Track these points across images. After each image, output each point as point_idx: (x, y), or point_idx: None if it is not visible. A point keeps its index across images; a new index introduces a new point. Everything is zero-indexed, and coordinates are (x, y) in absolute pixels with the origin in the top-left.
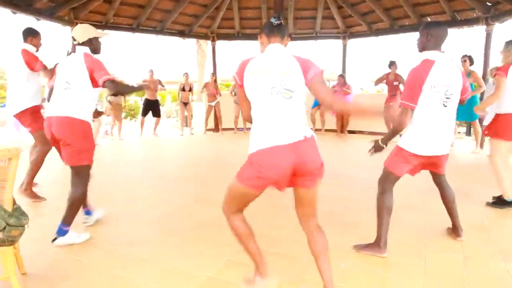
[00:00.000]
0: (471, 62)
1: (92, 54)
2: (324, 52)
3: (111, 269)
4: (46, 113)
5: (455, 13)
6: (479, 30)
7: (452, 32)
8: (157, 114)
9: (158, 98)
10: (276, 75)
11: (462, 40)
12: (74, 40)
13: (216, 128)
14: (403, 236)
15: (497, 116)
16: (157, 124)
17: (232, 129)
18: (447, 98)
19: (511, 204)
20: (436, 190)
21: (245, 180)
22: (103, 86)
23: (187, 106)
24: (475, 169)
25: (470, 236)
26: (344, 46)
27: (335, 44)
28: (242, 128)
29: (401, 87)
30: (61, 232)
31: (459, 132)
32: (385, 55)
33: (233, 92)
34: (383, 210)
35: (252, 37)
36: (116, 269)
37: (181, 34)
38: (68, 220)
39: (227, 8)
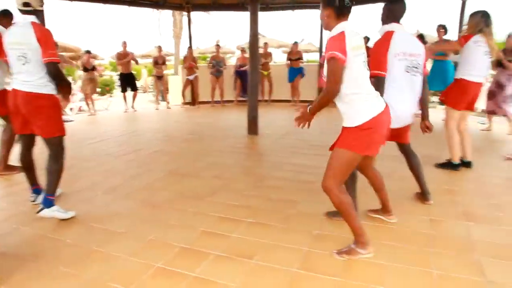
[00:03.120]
0: (445, 31)
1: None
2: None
3: (88, 244)
4: (11, 85)
5: None
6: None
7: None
8: (133, 87)
9: (134, 72)
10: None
11: (438, 9)
12: (27, 5)
13: (193, 102)
14: (374, 202)
15: (454, 81)
16: (135, 98)
17: (209, 102)
18: (414, 67)
19: (457, 167)
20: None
21: (366, 149)
22: (46, 65)
23: (161, 79)
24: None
25: (437, 199)
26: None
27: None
28: (219, 101)
29: None
30: (47, 202)
31: (432, 101)
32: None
33: (211, 64)
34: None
35: (230, 7)
36: (93, 244)
37: (154, 5)
38: (51, 189)
39: None
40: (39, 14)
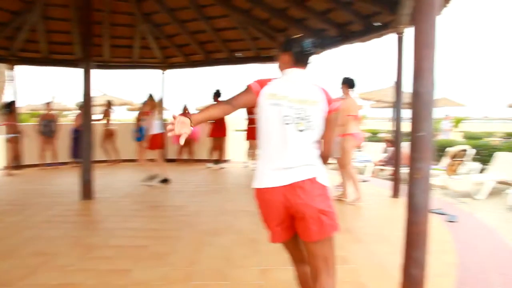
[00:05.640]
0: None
1: None
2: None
3: None
4: None
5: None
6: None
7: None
8: None
9: None
10: (295, 103)
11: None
12: None
13: (15, 165)
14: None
15: None
16: None
17: (35, 165)
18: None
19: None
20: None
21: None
22: None
23: None
24: None
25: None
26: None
27: (154, 73)
28: (52, 163)
29: None
30: None
31: None
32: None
33: (41, 123)
34: None
35: (62, 63)
36: None
37: None
38: None
39: (32, 30)
40: None
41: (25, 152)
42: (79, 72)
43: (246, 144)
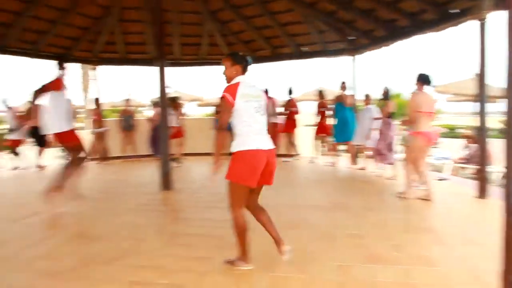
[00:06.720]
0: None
1: None
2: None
3: None
4: None
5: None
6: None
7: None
8: (41, 143)
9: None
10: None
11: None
12: None
13: (103, 157)
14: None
15: None
16: (42, 154)
17: (120, 157)
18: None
19: None
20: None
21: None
22: None
23: None
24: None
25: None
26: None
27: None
28: (132, 155)
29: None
30: None
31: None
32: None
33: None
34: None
35: (138, 62)
36: None
37: (59, 57)
38: None
39: (110, 32)
40: None
41: (110, 146)
42: (153, 70)
43: (314, 139)
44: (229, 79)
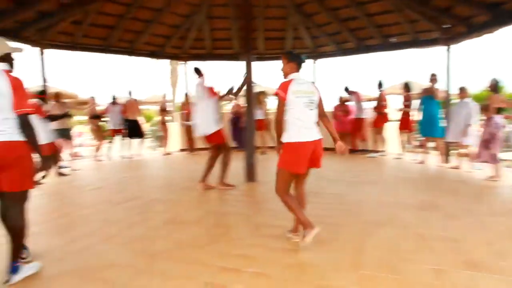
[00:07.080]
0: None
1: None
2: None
3: None
4: None
5: (417, 34)
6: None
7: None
8: (138, 134)
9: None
10: (306, 95)
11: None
12: None
13: (190, 148)
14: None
15: None
16: (141, 145)
17: (205, 149)
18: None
19: None
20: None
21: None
22: (17, 116)
23: (165, 126)
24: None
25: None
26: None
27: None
28: None
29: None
30: (14, 269)
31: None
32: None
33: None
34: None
35: (224, 57)
36: None
37: (153, 55)
38: (17, 254)
39: (198, 29)
40: (10, 57)
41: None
42: (236, 65)
43: (399, 135)
44: (285, 75)
